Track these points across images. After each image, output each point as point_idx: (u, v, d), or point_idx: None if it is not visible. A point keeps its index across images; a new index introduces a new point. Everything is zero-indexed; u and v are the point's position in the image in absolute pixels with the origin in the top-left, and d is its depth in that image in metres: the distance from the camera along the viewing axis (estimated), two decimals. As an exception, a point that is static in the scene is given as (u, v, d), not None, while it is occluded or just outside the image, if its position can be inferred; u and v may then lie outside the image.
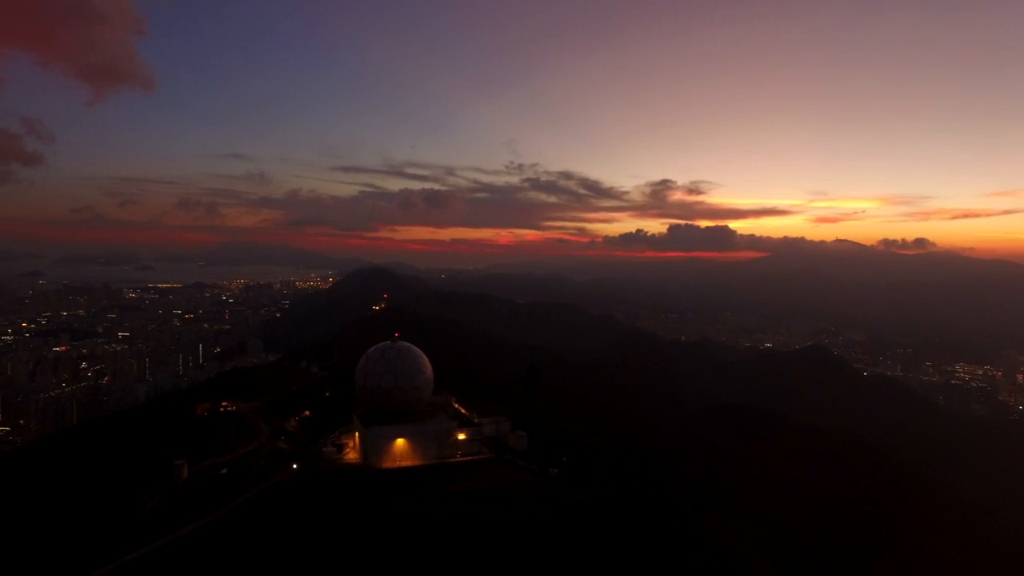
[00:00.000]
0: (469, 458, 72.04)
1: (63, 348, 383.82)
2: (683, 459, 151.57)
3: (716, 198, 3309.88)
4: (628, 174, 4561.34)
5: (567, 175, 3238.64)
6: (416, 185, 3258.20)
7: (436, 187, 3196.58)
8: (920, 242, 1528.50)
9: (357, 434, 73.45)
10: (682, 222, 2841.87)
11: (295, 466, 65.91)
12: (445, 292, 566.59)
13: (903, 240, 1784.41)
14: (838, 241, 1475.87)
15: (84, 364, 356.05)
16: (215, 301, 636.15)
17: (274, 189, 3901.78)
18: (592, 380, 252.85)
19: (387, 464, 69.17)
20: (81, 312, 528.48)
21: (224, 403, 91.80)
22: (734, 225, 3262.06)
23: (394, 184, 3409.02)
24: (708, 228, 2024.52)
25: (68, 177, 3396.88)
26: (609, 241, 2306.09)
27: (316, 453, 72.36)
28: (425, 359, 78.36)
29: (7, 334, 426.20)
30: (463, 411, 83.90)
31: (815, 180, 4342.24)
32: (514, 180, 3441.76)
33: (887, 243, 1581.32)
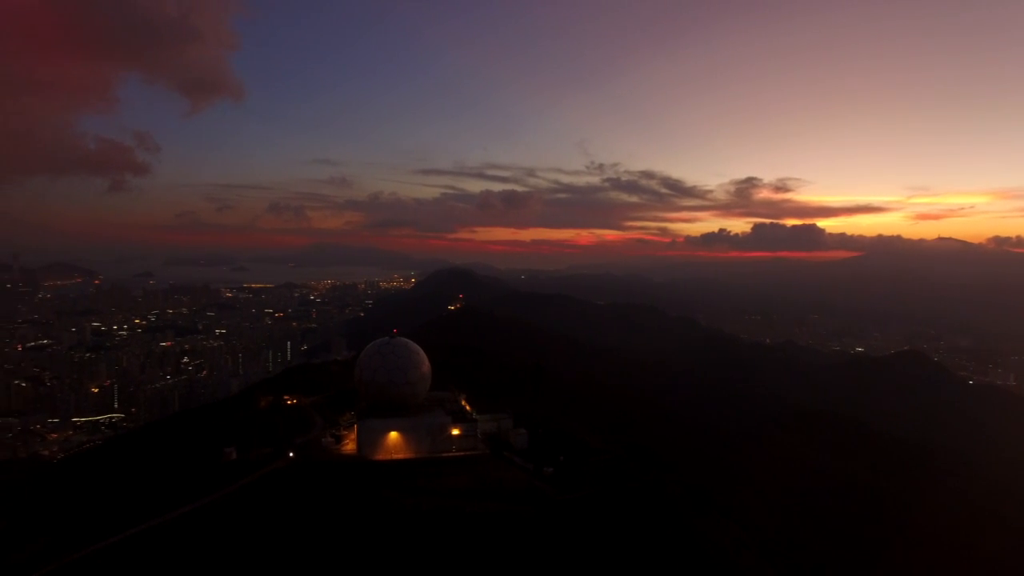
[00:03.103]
0: (463, 454, 72.35)
1: (169, 343, 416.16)
2: (732, 463, 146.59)
3: (805, 195, 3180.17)
4: (712, 172, 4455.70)
5: (648, 174, 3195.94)
6: (497, 187, 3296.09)
7: (517, 188, 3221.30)
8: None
9: (356, 426, 75.40)
10: (767, 221, 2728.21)
11: (291, 454, 68.44)
12: (523, 293, 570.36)
13: (1018, 237, 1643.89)
14: (940, 239, 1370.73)
15: (186, 359, 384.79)
16: (303, 300, 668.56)
17: (357, 192, 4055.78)
18: (661, 382, 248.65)
19: (381, 456, 70.37)
20: (184, 310, 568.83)
21: (286, 397, 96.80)
22: (825, 223, 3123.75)
23: (475, 186, 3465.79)
24: (794, 227, 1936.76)
25: (172, 185, 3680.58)
26: (691, 241, 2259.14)
27: (316, 443, 74.62)
28: (422, 355, 79.07)
29: (123, 330, 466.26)
30: (467, 408, 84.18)
31: (916, 175, 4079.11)
32: (595, 180, 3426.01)
33: (998, 241, 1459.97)
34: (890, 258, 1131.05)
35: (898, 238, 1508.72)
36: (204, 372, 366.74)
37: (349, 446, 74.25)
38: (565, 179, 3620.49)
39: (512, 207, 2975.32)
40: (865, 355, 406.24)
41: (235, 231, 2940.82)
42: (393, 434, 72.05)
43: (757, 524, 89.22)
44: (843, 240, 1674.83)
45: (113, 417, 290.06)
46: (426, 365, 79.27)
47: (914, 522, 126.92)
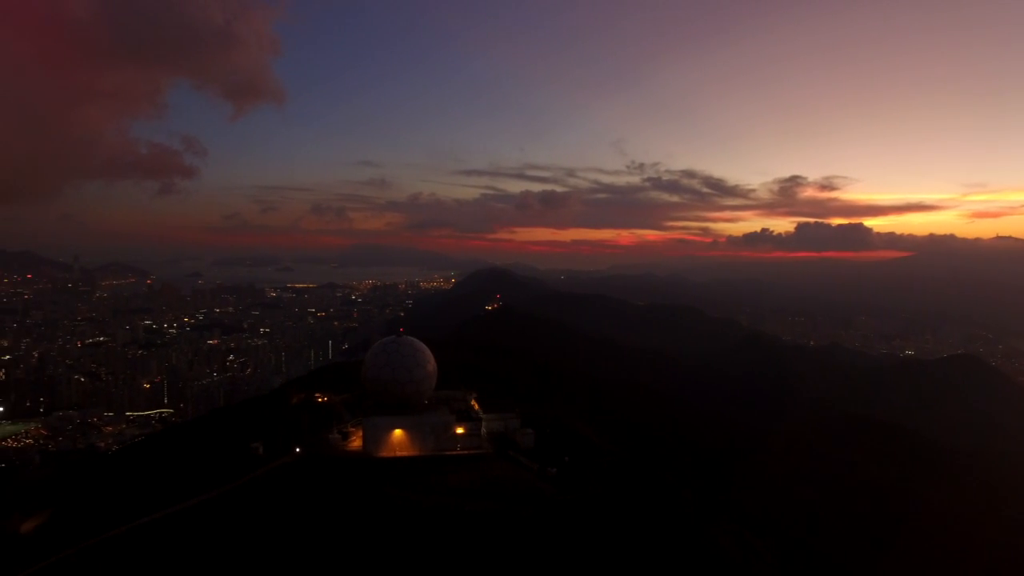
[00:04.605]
0: (467, 452, 72.82)
1: (215, 341, 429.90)
2: (759, 468, 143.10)
3: (852, 194, 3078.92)
4: (755, 171, 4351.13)
5: (690, 174, 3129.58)
6: (536, 187, 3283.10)
7: (556, 188, 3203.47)
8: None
9: (362, 423, 76.33)
10: (812, 220, 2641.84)
11: (298, 450, 70.05)
12: (562, 293, 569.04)
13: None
14: (998, 238, 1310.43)
15: (231, 357, 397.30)
16: (345, 300, 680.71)
17: (397, 193, 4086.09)
18: (695, 383, 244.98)
19: (385, 453, 71.43)
20: (231, 309, 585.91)
21: (317, 394, 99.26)
22: (872, 223, 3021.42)
23: (514, 187, 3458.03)
24: (840, 226, 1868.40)
25: (219, 187, 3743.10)
26: (733, 241, 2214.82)
27: (323, 439, 75.89)
28: (427, 354, 79.69)
29: (173, 328, 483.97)
30: (476, 407, 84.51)
31: (971, 171, 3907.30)
32: (635, 180, 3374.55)
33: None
34: (943, 258, 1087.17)
35: (951, 237, 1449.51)
36: (249, 370, 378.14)
37: (356, 443, 75.71)
38: (605, 179, 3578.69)
39: (551, 207, 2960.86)
40: (915, 359, 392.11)
41: (279, 232, 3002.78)
42: (397, 432, 73.21)
43: (779, 533, 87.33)
44: (892, 240, 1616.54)
45: (163, 412, 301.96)
46: (431, 364, 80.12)
47: (937, 526, 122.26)
